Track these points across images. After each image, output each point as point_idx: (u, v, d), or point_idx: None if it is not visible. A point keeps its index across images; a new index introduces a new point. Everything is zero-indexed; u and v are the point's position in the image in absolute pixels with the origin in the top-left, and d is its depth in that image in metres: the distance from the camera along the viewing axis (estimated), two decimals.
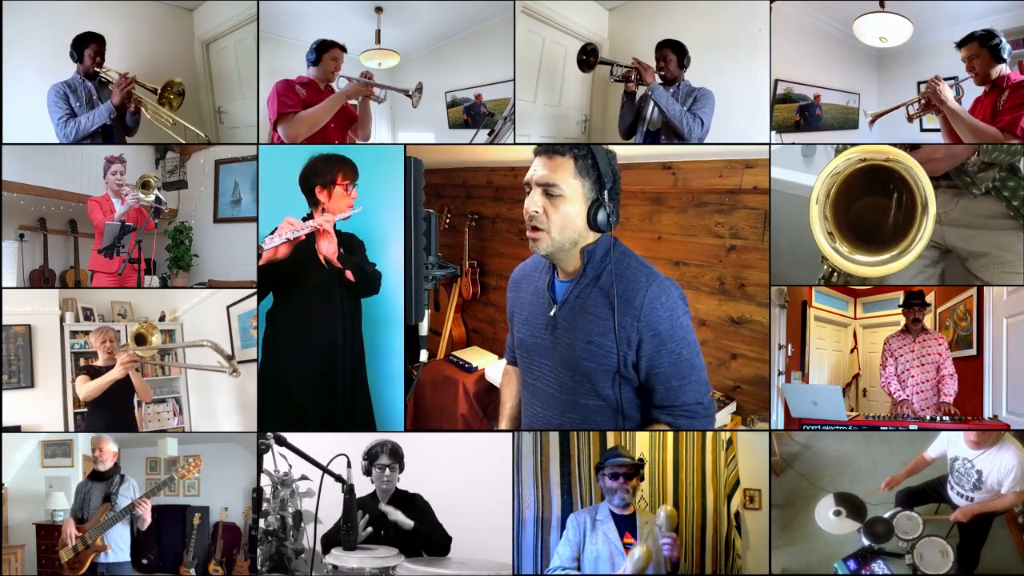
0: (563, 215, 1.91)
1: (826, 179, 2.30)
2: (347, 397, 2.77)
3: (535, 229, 1.94)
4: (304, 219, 2.67)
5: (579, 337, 1.96)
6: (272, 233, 2.56)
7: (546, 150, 1.94)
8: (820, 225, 2.32)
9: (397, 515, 2.57)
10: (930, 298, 3.25)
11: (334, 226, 2.67)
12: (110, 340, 3.18)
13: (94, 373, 3.14)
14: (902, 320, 3.28)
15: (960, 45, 2.71)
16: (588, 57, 3.23)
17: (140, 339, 3.20)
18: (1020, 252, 2.64)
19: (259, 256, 2.58)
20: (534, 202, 1.92)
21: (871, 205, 2.34)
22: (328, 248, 2.62)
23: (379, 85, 3.11)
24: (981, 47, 2.64)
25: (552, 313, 2.02)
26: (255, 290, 2.96)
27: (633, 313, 1.90)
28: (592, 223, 1.93)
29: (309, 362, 2.71)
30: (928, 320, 3.27)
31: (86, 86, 3.03)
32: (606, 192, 1.92)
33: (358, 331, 2.82)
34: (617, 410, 1.99)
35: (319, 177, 2.70)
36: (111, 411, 3.15)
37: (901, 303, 3.15)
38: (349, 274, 2.66)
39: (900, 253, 2.24)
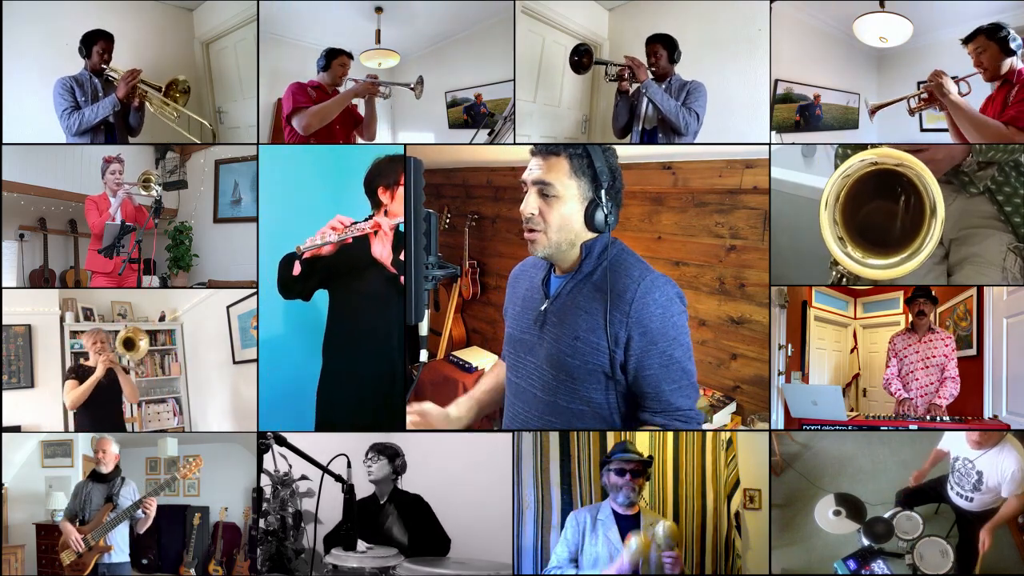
0: (559, 216, 1.89)
1: (836, 181, 2.28)
2: (400, 403, 2.66)
3: (532, 231, 1.92)
4: (364, 220, 2.58)
5: (566, 333, 1.91)
6: (317, 233, 2.46)
7: (541, 150, 1.91)
8: (831, 231, 2.29)
9: (393, 527, 2.57)
10: None
11: (395, 230, 2.57)
12: (101, 341, 3.20)
13: (83, 373, 3.17)
14: (902, 320, 3.28)
15: (967, 41, 2.64)
16: (581, 58, 3.21)
17: (128, 343, 3.26)
18: (995, 258, 2.58)
19: (302, 254, 2.48)
20: (530, 204, 1.90)
21: (879, 209, 2.31)
22: (382, 252, 2.53)
23: (384, 83, 3.22)
24: (988, 40, 2.56)
25: (543, 308, 1.98)
26: (255, 290, 2.96)
27: (624, 308, 1.84)
28: (590, 223, 1.90)
29: (365, 366, 2.63)
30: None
31: (93, 82, 3.03)
32: (603, 191, 1.89)
33: None
34: (599, 416, 1.92)
35: (383, 178, 2.63)
36: (97, 411, 3.17)
37: (907, 299, 3.11)
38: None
39: (911, 255, 2.22)
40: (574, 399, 1.92)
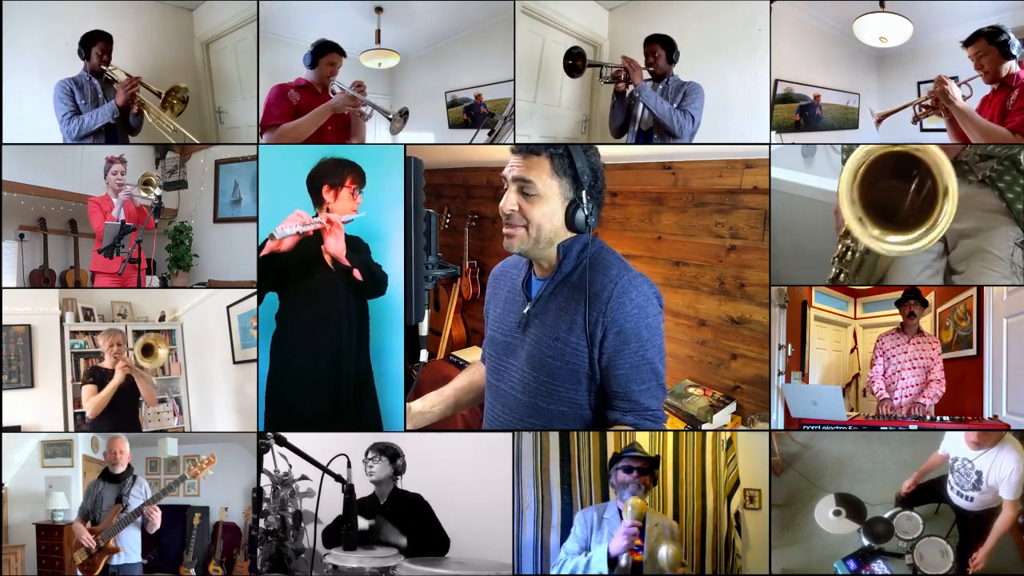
0: (540, 215, 1.88)
1: (857, 157, 2.29)
2: (353, 398, 2.74)
3: (512, 226, 1.91)
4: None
5: (547, 334, 1.91)
6: (283, 223, 2.56)
7: (522, 149, 1.90)
8: (850, 210, 2.28)
9: (391, 532, 2.58)
10: (929, 298, 3.24)
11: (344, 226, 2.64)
12: (118, 344, 3.18)
13: (100, 376, 3.13)
14: (899, 319, 3.28)
15: (967, 44, 2.66)
16: (575, 61, 3.20)
17: (147, 350, 3.23)
18: (1002, 249, 2.58)
19: (262, 247, 2.57)
20: (509, 201, 1.90)
21: (894, 187, 2.29)
22: (336, 246, 2.60)
23: (366, 102, 3.13)
24: (989, 44, 2.59)
25: (525, 311, 1.98)
26: (255, 290, 2.96)
27: (600, 307, 1.84)
28: (570, 223, 1.90)
29: (315, 363, 2.68)
30: (927, 320, 3.27)
31: (92, 84, 3.04)
32: (584, 192, 1.88)
33: (365, 332, 2.79)
34: (580, 417, 1.91)
35: (328, 178, 2.70)
36: (117, 414, 3.15)
37: (897, 301, 3.13)
38: (357, 273, 2.64)
39: (925, 232, 2.22)
40: (554, 400, 1.92)
